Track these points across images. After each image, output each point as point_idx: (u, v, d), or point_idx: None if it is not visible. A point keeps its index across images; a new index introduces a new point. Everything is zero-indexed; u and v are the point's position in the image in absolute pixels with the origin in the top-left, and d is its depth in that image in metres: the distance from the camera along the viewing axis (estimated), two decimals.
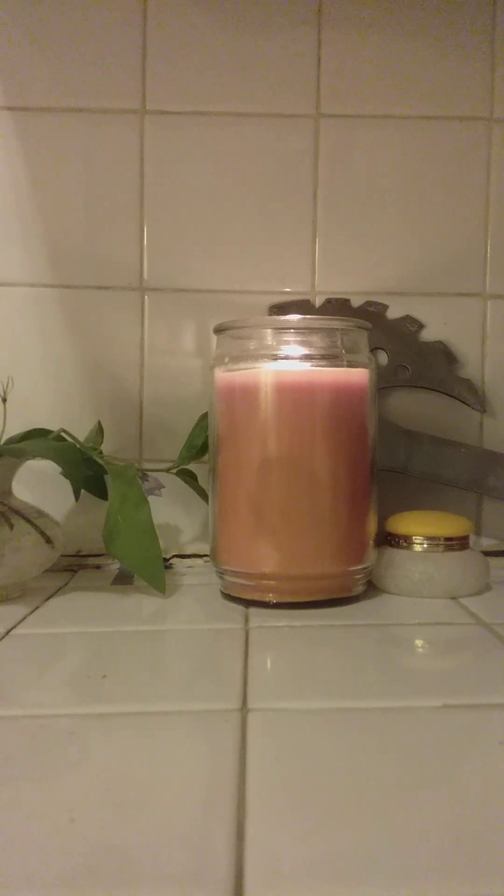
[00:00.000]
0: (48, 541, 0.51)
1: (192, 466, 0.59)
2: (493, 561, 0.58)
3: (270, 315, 0.62)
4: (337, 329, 0.51)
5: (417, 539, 0.54)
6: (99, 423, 0.59)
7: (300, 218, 0.63)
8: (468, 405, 0.63)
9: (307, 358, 0.50)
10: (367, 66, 0.63)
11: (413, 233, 0.64)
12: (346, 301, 0.63)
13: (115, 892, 0.21)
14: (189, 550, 0.63)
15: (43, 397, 0.62)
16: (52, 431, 0.55)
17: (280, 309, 0.62)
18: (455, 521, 0.55)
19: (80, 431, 0.57)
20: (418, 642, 0.45)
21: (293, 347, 0.50)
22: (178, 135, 0.62)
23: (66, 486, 0.56)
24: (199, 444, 0.57)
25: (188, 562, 0.62)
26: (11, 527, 0.49)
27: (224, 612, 0.49)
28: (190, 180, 0.62)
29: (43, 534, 0.51)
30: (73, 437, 0.55)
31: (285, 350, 0.50)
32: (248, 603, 0.50)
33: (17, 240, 0.62)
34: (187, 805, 0.25)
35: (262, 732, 0.31)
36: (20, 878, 0.21)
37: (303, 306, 0.63)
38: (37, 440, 0.54)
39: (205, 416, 0.57)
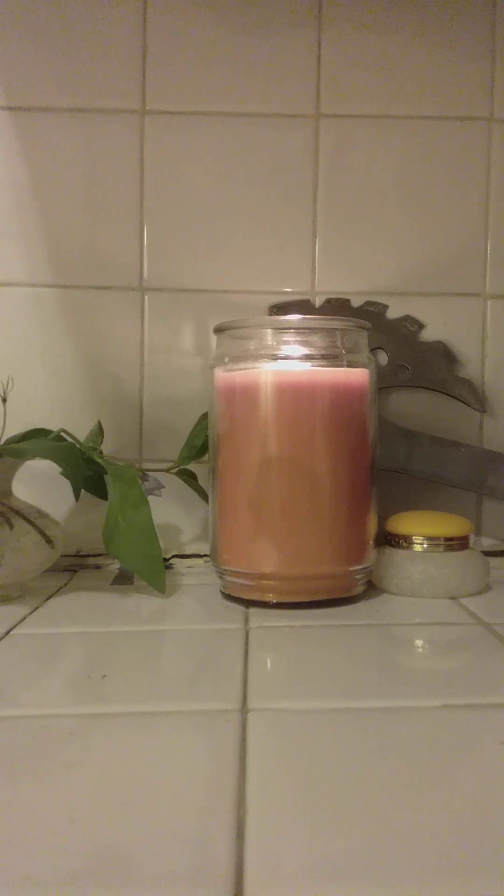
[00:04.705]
0: (48, 541, 0.51)
1: (192, 466, 0.59)
2: (493, 561, 0.58)
3: (270, 315, 0.62)
4: (337, 329, 0.51)
5: (417, 539, 0.54)
6: (99, 423, 0.59)
7: (300, 218, 0.63)
8: (468, 405, 0.63)
9: (307, 358, 0.50)
10: (367, 66, 0.62)
11: (413, 233, 0.63)
12: (346, 301, 0.63)
13: (115, 892, 0.21)
14: (189, 550, 0.63)
15: (43, 397, 0.62)
16: (52, 431, 0.55)
17: (280, 309, 0.62)
18: (455, 521, 0.55)
19: (80, 431, 0.57)
20: (418, 642, 0.45)
21: (293, 347, 0.50)
22: (178, 135, 0.62)
23: (66, 486, 0.55)
24: (199, 444, 0.57)
25: (188, 562, 0.62)
26: (11, 527, 0.49)
27: (224, 612, 0.49)
28: (190, 180, 0.62)
29: (43, 534, 0.51)
30: (73, 437, 0.55)
31: (285, 350, 0.50)
32: (248, 603, 0.50)
33: (17, 240, 0.62)
34: (187, 805, 0.25)
35: (262, 732, 0.31)
36: (20, 878, 0.21)
37: (303, 306, 0.63)
38: (37, 440, 0.54)
39: (205, 416, 0.57)
